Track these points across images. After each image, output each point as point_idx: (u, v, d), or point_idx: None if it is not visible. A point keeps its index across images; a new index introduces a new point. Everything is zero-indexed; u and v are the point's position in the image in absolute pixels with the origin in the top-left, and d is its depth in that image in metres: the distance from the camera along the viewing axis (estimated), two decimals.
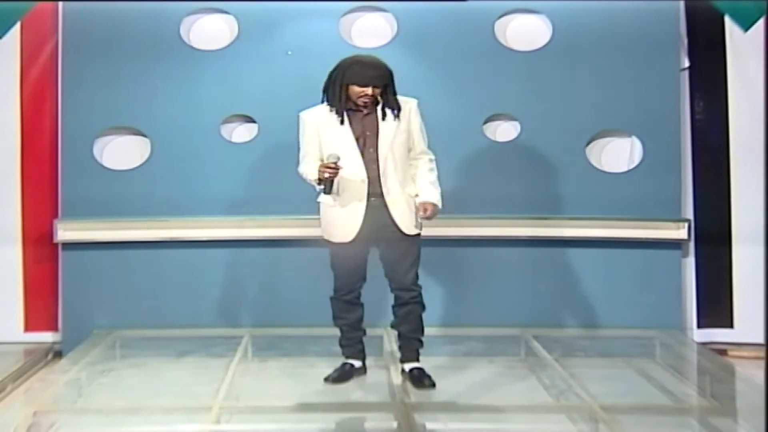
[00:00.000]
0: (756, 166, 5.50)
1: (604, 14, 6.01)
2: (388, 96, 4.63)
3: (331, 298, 4.87)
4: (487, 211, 5.98)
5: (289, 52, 6.04)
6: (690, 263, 6.11)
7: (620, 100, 6.05)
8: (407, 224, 4.68)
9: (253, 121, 6.08)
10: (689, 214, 6.09)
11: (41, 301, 6.05)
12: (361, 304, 4.86)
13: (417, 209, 4.63)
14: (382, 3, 6.11)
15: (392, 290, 4.81)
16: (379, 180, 4.63)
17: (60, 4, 6.00)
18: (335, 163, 4.52)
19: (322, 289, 5.81)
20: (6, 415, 4.42)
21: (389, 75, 4.62)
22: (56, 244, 5.99)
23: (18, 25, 5.76)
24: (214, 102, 6.01)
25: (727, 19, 5.84)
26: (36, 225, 6.02)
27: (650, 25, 6.02)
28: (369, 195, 4.63)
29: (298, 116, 4.78)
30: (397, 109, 4.64)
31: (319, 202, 4.77)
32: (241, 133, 6.12)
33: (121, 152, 6.08)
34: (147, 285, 6.00)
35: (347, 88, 4.59)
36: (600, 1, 6.02)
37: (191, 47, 6.06)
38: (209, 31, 6.12)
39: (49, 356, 5.90)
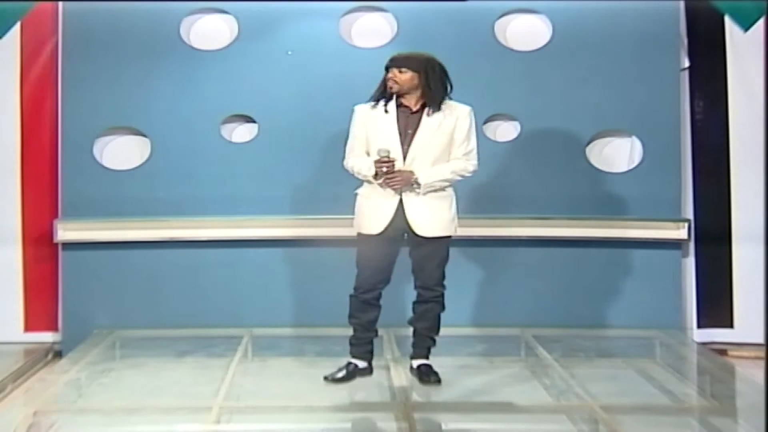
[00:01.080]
0: (756, 166, 5.50)
1: (604, 14, 6.02)
2: (422, 86, 4.65)
3: (350, 296, 4.84)
4: (486, 211, 5.97)
5: (289, 52, 6.04)
6: (690, 263, 6.11)
7: (620, 100, 6.05)
8: (422, 226, 4.67)
9: (253, 121, 6.08)
10: (689, 214, 6.09)
11: (41, 301, 6.05)
12: (378, 306, 4.83)
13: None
14: (382, 3, 6.11)
15: (415, 287, 4.84)
16: None
17: (60, 4, 6.00)
18: (387, 156, 4.58)
19: (322, 289, 5.85)
20: (6, 415, 4.42)
21: (418, 61, 4.66)
22: (56, 244, 5.98)
23: (18, 25, 5.76)
24: (214, 102, 6.01)
25: (727, 19, 5.84)
26: (36, 225, 6.02)
27: (650, 25, 6.02)
28: (401, 191, 4.67)
29: (353, 109, 4.81)
30: (432, 103, 4.65)
31: (356, 194, 4.80)
32: (241, 133, 6.12)
33: (121, 152, 6.07)
34: (147, 285, 5.99)
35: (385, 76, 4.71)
36: (600, 1, 6.02)
37: (191, 47, 6.06)
38: (209, 31, 6.12)
39: (49, 356, 5.90)
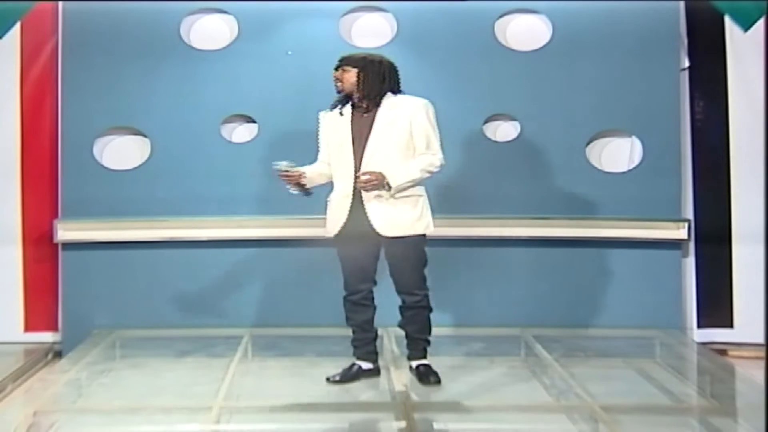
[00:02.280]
0: (756, 166, 5.50)
1: (604, 14, 6.02)
2: (360, 83, 4.66)
3: (343, 298, 4.85)
4: (487, 211, 5.97)
5: (289, 52, 6.04)
6: (690, 263, 6.11)
7: (620, 100, 6.05)
8: (384, 226, 4.63)
9: (253, 121, 6.08)
10: (689, 214, 6.09)
11: (41, 301, 6.05)
12: (371, 306, 4.84)
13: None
14: (382, 3, 6.11)
15: (397, 292, 4.82)
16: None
17: (60, 4, 6.00)
18: (286, 170, 4.65)
19: (322, 289, 5.84)
20: (6, 415, 4.43)
21: (357, 59, 4.71)
22: (56, 244, 5.98)
23: (18, 25, 5.76)
24: (214, 102, 6.01)
25: (727, 19, 5.84)
26: (36, 225, 6.02)
27: (650, 25, 6.02)
28: (355, 192, 4.65)
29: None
30: (367, 99, 4.66)
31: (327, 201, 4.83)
32: (241, 133, 6.12)
33: (121, 152, 6.07)
34: (147, 285, 5.99)
35: None
36: (600, 1, 6.02)
37: (191, 47, 6.06)
38: (209, 31, 6.12)
39: (49, 356, 5.90)
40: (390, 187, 4.57)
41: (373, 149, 4.63)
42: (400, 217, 4.65)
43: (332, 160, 4.75)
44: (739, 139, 5.99)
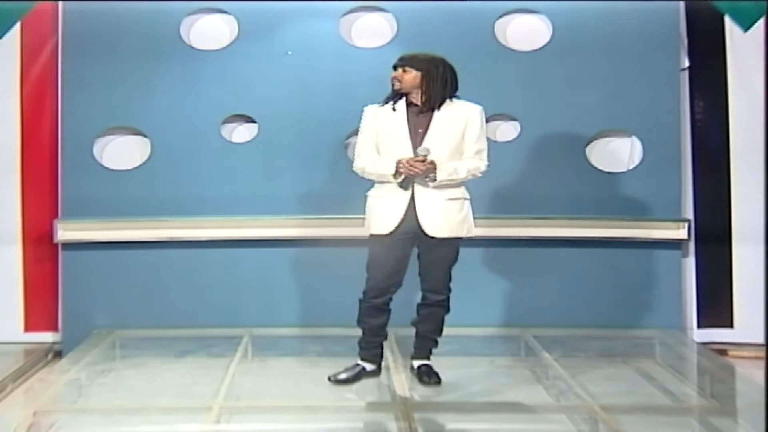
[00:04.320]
0: (756, 166, 5.49)
1: (604, 14, 6.02)
2: (423, 86, 4.64)
3: (360, 300, 4.79)
4: (486, 211, 5.96)
5: (289, 52, 6.04)
6: (690, 263, 6.11)
7: (620, 100, 6.05)
8: (434, 227, 4.63)
9: (253, 121, 6.08)
10: (689, 214, 6.09)
11: (41, 301, 6.05)
12: (387, 311, 4.80)
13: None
14: (382, 3, 6.11)
15: (422, 290, 4.81)
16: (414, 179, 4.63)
17: (60, 4, 6.00)
18: (425, 157, 4.56)
19: (322, 289, 5.85)
20: (6, 415, 4.42)
21: (421, 61, 4.66)
22: (56, 244, 5.98)
23: (18, 25, 5.76)
24: (214, 102, 6.01)
25: (727, 19, 5.84)
26: (36, 225, 6.02)
27: (650, 25, 6.02)
28: (413, 191, 4.64)
29: (362, 110, 4.79)
30: (431, 102, 4.64)
31: (366, 196, 4.78)
32: (241, 133, 6.12)
33: (121, 152, 6.07)
34: (147, 285, 5.99)
35: None
36: (600, 1, 6.02)
37: (191, 47, 6.06)
38: (209, 31, 6.12)
39: (49, 356, 5.90)
40: (435, 179, 4.57)
41: (429, 146, 4.60)
42: (449, 219, 4.66)
43: (384, 155, 4.68)
44: (739, 139, 6.00)
